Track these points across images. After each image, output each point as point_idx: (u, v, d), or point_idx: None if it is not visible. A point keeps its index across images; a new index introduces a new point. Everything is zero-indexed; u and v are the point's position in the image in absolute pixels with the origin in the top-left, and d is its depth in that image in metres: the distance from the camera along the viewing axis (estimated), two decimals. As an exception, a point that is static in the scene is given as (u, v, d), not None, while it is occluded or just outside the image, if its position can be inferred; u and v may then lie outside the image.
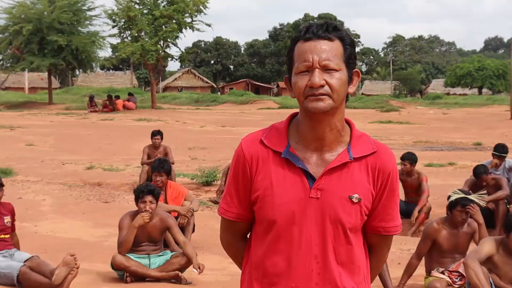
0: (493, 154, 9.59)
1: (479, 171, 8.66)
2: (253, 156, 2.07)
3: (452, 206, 5.67)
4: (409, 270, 5.86)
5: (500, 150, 9.52)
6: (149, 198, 6.00)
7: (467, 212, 5.63)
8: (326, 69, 1.98)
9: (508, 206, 8.56)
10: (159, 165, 7.43)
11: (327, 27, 2.03)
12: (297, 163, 2.03)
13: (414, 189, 9.33)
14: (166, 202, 7.43)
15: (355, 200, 2.04)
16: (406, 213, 9.51)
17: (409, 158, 9.23)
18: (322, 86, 1.97)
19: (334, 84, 1.98)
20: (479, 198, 5.83)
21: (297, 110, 2.15)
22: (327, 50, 2.00)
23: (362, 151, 2.07)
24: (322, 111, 1.99)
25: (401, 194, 9.58)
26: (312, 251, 2.03)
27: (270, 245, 2.07)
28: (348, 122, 2.12)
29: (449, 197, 5.80)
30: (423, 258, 5.92)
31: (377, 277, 5.72)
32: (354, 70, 2.08)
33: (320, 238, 2.03)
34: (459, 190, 5.99)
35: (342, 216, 2.04)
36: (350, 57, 2.04)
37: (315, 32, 2.01)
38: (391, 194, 2.11)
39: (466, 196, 5.69)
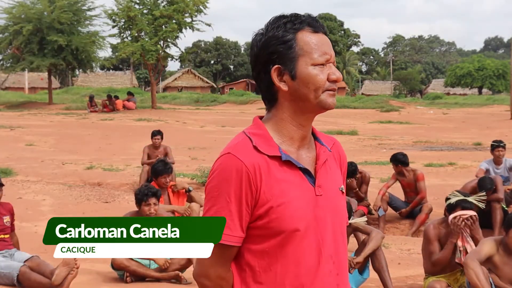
0: (494, 146, 9.59)
1: (486, 187, 8.19)
2: (255, 166, 1.87)
3: (451, 208, 5.58)
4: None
5: (498, 142, 9.62)
6: (153, 200, 6.03)
7: (467, 219, 5.54)
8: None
9: (506, 208, 8.54)
10: (165, 168, 7.56)
11: (319, 21, 1.99)
12: (297, 164, 1.92)
13: (412, 188, 9.34)
14: (169, 200, 7.60)
15: (343, 191, 2.03)
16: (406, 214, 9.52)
17: (392, 160, 9.36)
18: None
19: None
20: (478, 200, 5.78)
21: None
22: (331, 46, 1.97)
23: (329, 142, 2.05)
24: (335, 106, 1.96)
25: (400, 194, 9.59)
26: (328, 251, 1.92)
27: (290, 257, 1.88)
28: None
29: (447, 199, 5.73)
30: (422, 258, 5.91)
31: (377, 277, 5.73)
32: None
33: (331, 237, 1.94)
34: (458, 192, 5.92)
35: (341, 209, 2.00)
36: None
37: (320, 26, 1.95)
38: (344, 182, 2.10)
39: (465, 198, 5.62)
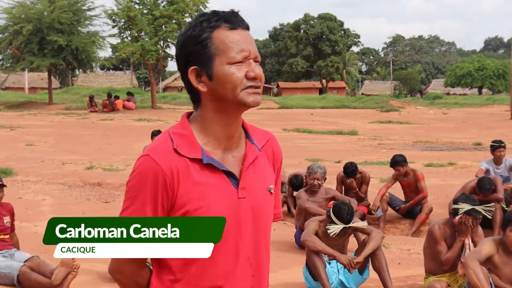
0: (494, 147, 9.59)
1: (485, 187, 8.30)
2: (173, 169, 1.83)
3: (457, 214, 5.56)
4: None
5: (499, 142, 9.63)
6: None
7: (476, 218, 5.57)
8: (255, 61, 1.89)
9: (506, 208, 8.54)
10: None
11: (240, 16, 1.92)
12: (220, 167, 1.88)
13: (412, 189, 9.34)
14: None
15: (272, 191, 1.99)
16: (407, 214, 9.51)
17: (395, 164, 9.22)
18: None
19: (263, 77, 1.89)
20: (486, 210, 5.72)
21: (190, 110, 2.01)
22: (253, 41, 1.90)
23: (261, 140, 2.01)
24: (259, 104, 1.90)
25: (400, 194, 9.59)
26: (246, 253, 1.91)
27: (207, 259, 1.84)
28: None
29: (455, 202, 5.68)
30: (423, 258, 5.91)
31: (377, 277, 5.73)
32: None
33: (252, 238, 1.93)
34: (465, 196, 5.85)
35: (267, 210, 1.97)
36: None
37: (239, 21, 1.89)
38: (279, 179, 2.08)
39: (474, 207, 5.59)
